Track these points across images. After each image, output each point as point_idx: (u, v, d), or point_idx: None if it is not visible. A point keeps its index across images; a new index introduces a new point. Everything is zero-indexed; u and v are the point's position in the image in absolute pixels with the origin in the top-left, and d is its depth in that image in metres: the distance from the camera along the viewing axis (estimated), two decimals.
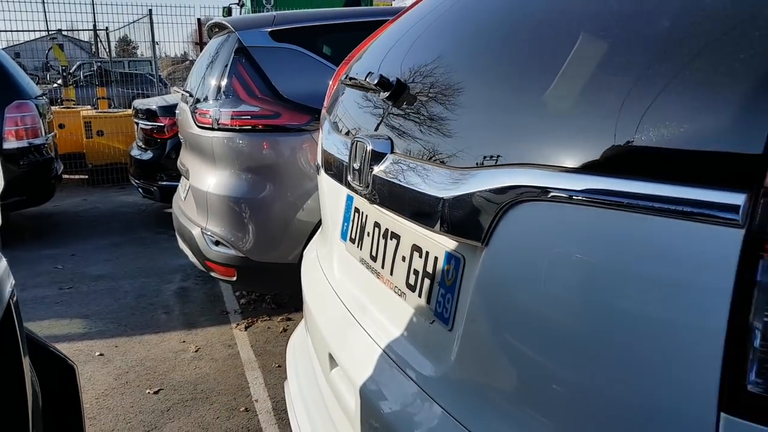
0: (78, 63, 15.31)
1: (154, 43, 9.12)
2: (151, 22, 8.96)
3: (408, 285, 1.13)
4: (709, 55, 0.63)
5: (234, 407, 2.69)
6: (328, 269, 1.57)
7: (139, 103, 5.93)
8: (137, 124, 5.81)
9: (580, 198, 0.71)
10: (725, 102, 0.59)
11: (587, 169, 0.71)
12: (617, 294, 0.67)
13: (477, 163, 0.89)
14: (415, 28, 1.38)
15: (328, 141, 1.52)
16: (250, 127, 3.23)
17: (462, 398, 0.92)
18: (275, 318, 3.64)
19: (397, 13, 1.66)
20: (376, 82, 1.18)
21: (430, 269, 1.06)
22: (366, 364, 1.15)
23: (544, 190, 0.75)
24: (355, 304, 1.34)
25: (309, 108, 3.13)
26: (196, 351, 3.24)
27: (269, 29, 3.41)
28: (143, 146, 5.69)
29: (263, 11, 10.47)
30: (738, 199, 0.55)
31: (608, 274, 0.68)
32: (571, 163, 0.73)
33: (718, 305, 0.57)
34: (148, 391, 2.84)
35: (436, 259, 1.05)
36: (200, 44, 9.24)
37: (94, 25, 13.54)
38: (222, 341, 3.36)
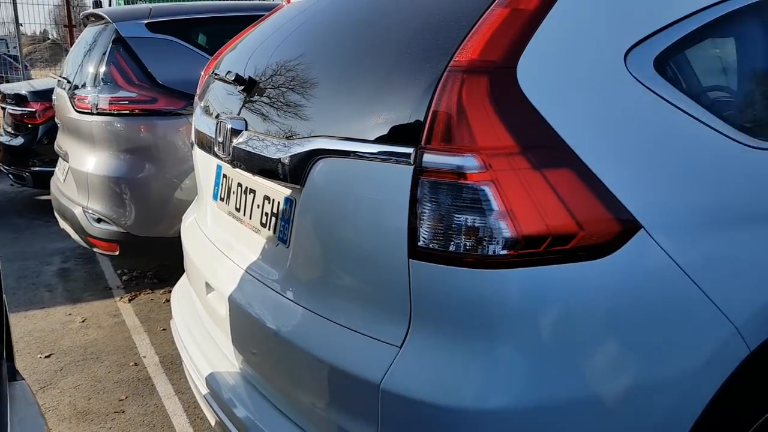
0: None
1: (18, 24, 8.71)
2: (14, 1, 8.56)
3: (261, 224, 1.59)
4: (404, 69, 1.15)
5: (124, 363, 3.01)
6: (203, 224, 1.99)
7: (7, 88, 5.83)
8: (4, 109, 5.72)
9: (349, 155, 1.21)
10: (407, 96, 1.11)
11: (351, 138, 1.21)
12: (360, 212, 1.18)
13: (298, 136, 1.36)
14: (279, 27, 1.80)
15: (200, 122, 1.94)
16: (128, 112, 3.51)
17: (293, 287, 1.40)
18: (158, 291, 3.93)
19: (272, 9, 2.08)
20: (232, 79, 1.62)
21: (275, 210, 1.53)
22: (232, 281, 1.60)
23: (331, 151, 1.24)
24: (224, 244, 1.78)
25: (184, 94, 3.46)
26: (83, 321, 3.49)
27: (146, 21, 3.69)
28: (13, 132, 5.63)
29: (138, 2, 10.29)
30: (410, 149, 1.07)
31: (359, 199, 1.19)
32: (345, 134, 1.23)
33: (404, 207, 1.09)
34: (39, 355, 3.08)
35: (279, 203, 1.52)
36: (69, 26, 8.94)
37: None
38: (107, 312, 3.62)
